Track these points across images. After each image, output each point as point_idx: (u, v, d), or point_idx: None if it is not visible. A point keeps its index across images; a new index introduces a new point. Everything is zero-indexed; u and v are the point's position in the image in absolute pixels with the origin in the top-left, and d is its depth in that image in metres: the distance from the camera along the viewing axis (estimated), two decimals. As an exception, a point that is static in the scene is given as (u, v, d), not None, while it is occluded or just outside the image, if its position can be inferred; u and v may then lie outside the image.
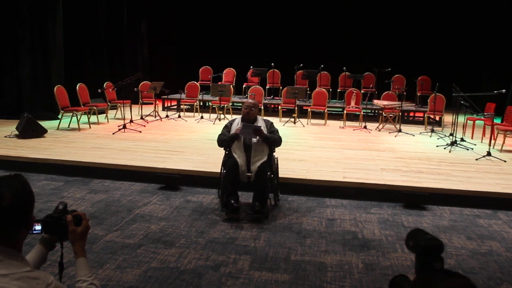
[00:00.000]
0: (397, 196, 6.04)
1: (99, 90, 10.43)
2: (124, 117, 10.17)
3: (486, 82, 13.87)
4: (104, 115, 11.19)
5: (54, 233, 2.00)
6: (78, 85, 10.35)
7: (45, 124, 9.27)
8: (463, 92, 9.13)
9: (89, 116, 10.31)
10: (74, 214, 1.98)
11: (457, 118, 9.45)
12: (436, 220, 5.49)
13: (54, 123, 9.97)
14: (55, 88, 9.66)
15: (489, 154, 8.06)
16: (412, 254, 1.70)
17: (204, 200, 5.94)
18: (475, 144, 9.22)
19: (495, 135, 9.14)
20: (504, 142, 9.00)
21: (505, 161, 7.86)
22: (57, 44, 11.08)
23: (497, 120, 10.28)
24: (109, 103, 11.44)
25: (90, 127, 10.01)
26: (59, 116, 9.89)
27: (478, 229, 5.22)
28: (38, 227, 1.94)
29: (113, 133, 9.30)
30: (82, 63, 12.61)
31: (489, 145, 8.42)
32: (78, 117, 9.88)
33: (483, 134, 10.01)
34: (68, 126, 9.88)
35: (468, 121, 10.54)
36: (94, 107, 10.57)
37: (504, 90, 8.65)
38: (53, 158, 7.10)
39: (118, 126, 9.67)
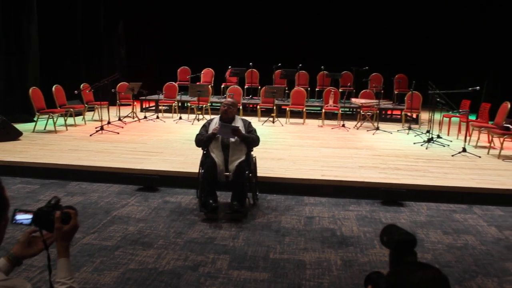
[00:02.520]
0: (375, 193, 6.10)
1: (76, 91, 10.28)
2: (101, 118, 10.06)
3: (461, 80, 14.07)
4: (81, 117, 11.07)
5: (42, 227, 1.91)
6: (54, 86, 10.21)
7: (20, 126, 9.14)
8: (439, 89, 9.26)
9: (65, 118, 10.17)
10: (63, 211, 1.89)
11: (434, 115, 9.60)
12: (413, 215, 5.55)
13: (30, 125, 9.81)
14: (30, 90, 9.50)
15: (464, 150, 8.19)
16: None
17: (183, 200, 5.91)
18: (451, 141, 9.36)
19: (470, 132, 9.30)
20: (479, 138, 9.16)
21: (479, 157, 8.00)
22: (32, 45, 10.91)
23: (472, 117, 10.44)
24: (86, 105, 11.30)
25: (67, 129, 9.88)
26: (35, 119, 9.75)
27: (454, 223, 5.30)
28: (27, 220, 1.85)
29: (91, 135, 9.20)
30: (58, 64, 12.41)
31: (465, 141, 8.56)
32: (55, 119, 9.74)
33: (459, 130, 10.17)
34: (44, 129, 9.74)
35: (444, 118, 10.70)
36: (71, 109, 10.43)
37: (478, 87, 8.81)
38: (29, 161, 6.99)
39: (96, 128, 9.56)
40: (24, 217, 1.86)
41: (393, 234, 1.69)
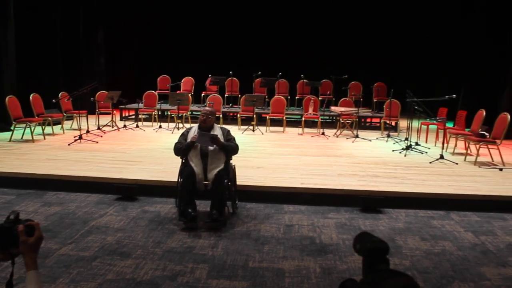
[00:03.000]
0: (354, 200, 6.13)
1: (54, 100, 10.17)
2: (80, 127, 9.96)
3: (438, 88, 14.30)
4: (60, 126, 10.94)
5: (5, 243, 1.90)
6: (31, 95, 10.06)
7: (-4, 136, 9.00)
8: (416, 97, 9.39)
9: (43, 127, 10.04)
10: (26, 224, 1.87)
11: (412, 123, 9.72)
12: (392, 222, 5.60)
13: (6, 135, 9.67)
14: (7, 99, 9.37)
15: (442, 157, 8.30)
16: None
17: (162, 210, 5.87)
18: (429, 148, 9.48)
19: (448, 139, 9.43)
20: (456, 145, 9.31)
21: (457, 164, 8.12)
22: (9, 53, 10.77)
23: (449, 124, 10.61)
24: (64, 114, 11.18)
25: (44, 139, 9.75)
26: (12, 128, 9.60)
27: (432, 230, 5.36)
28: None
29: (69, 144, 9.09)
30: (36, 72, 12.26)
31: (442, 148, 8.67)
32: (32, 128, 9.61)
33: (436, 138, 10.31)
34: (21, 138, 9.60)
35: (422, 125, 10.85)
36: (49, 118, 10.29)
37: (454, 96, 8.96)
38: (4, 171, 6.87)
39: (74, 137, 9.46)
40: None
41: (366, 241, 1.70)
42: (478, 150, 8.34)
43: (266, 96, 13.45)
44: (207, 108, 5.94)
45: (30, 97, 10.00)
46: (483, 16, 12.60)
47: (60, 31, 13.15)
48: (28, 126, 9.60)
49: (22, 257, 1.84)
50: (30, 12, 12.04)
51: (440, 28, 14.85)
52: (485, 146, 8.52)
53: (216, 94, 12.96)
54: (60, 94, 11.02)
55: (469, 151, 8.86)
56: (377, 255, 1.65)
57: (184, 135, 5.73)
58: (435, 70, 15.35)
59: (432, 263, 4.44)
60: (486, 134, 8.62)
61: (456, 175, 7.32)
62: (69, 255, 4.43)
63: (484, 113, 8.98)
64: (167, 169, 7.09)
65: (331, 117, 13.51)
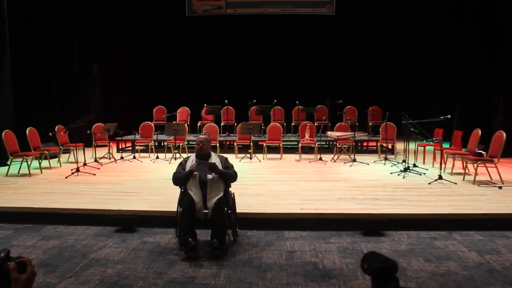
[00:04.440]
0: (355, 224, 6.09)
1: (50, 133, 10.17)
2: (77, 160, 9.92)
3: (433, 109, 14.41)
4: (56, 159, 10.89)
5: None
6: (28, 129, 10.06)
7: (-7, 171, 8.95)
8: (412, 119, 9.43)
9: (40, 160, 9.99)
10: (17, 261, 1.83)
11: (408, 145, 9.74)
12: (394, 245, 5.55)
13: (3, 169, 9.62)
14: (3, 133, 9.35)
15: (440, 177, 8.30)
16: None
17: (162, 240, 5.81)
18: (427, 169, 9.49)
19: (445, 159, 9.45)
20: (453, 165, 9.31)
21: (455, 183, 8.11)
22: (5, 88, 10.80)
23: (446, 145, 10.64)
24: (61, 147, 11.16)
25: (41, 172, 9.69)
26: (8, 162, 9.56)
27: (435, 250, 5.31)
28: None
29: (66, 177, 9.04)
30: (32, 106, 12.31)
31: (440, 169, 8.68)
32: (29, 162, 9.57)
33: (434, 158, 10.34)
34: (18, 172, 9.55)
35: (419, 147, 10.88)
36: (46, 152, 10.26)
37: (449, 116, 9.01)
38: (1, 206, 6.80)
39: (71, 170, 9.41)
40: None
41: (374, 261, 1.68)
42: (476, 169, 8.34)
43: (262, 124, 13.49)
44: (201, 136, 5.93)
45: (27, 131, 9.99)
46: (473, 35, 12.79)
47: (55, 66, 13.22)
48: (25, 160, 9.55)
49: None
50: (25, 46, 12.14)
51: (432, 50, 15.06)
52: (483, 165, 8.53)
53: (212, 123, 12.99)
54: (56, 127, 11.04)
55: (467, 171, 8.86)
56: (386, 273, 1.63)
57: (182, 165, 5.72)
58: (429, 91, 15.50)
59: (438, 284, 4.39)
60: (483, 153, 8.64)
61: (456, 195, 7.31)
62: (69, 289, 4.35)
63: (480, 132, 9.02)
64: (166, 199, 7.03)
65: (327, 142, 13.53)
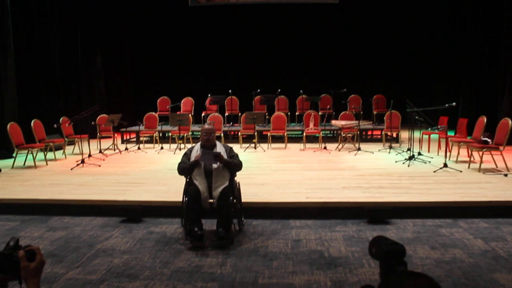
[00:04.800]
0: (361, 212, 6.09)
1: (55, 125, 10.19)
2: (82, 152, 9.94)
3: (437, 97, 14.34)
4: (62, 151, 10.92)
5: (7, 271, 1.87)
6: (33, 121, 10.08)
7: (-2, 163, 8.98)
8: (416, 107, 9.39)
9: (45, 152, 10.01)
10: (26, 249, 1.85)
11: (413, 133, 9.71)
12: (400, 233, 5.55)
13: (9, 161, 9.66)
14: (8, 126, 9.37)
15: (445, 165, 8.28)
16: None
17: (168, 230, 5.83)
18: (432, 157, 9.46)
19: (450, 147, 9.42)
20: (458, 153, 9.29)
21: (461, 171, 8.09)
22: (9, 80, 10.80)
23: (451, 133, 10.60)
24: (66, 139, 11.19)
25: (47, 164, 9.72)
26: (14, 154, 9.60)
27: (441, 238, 5.31)
28: None
29: (72, 169, 9.07)
30: (36, 98, 12.32)
31: (445, 157, 8.65)
32: (34, 154, 9.60)
33: (439, 147, 10.30)
34: (24, 164, 9.59)
35: (424, 135, 10.85)
36: (51, 143, 10.28)
37: (454, 104, 8.96)
38: (8, 198, 6.85)
39: (77, 161, 9.43)
40: None
41: (382, 245, 1.68)
42: (481, 157, 8.31)
43: (266, 113, 13.47)
44: (206, 126, 5.83)
45: (31, 123, 10.01)
46: (478, 25, 12.69)
47: (59, 57, 13.22)
48: (30, 152, 9.58)
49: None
50: (29, 38, 12.13)
51: (436, 37, 14.95)
52: (488, 153, 8.51)
53: (216, 114, 12.98)
54: (61, 119, 11.06)
55: (472, 159, 8.83)
56: (394, 257, 1.63)
57: (187, 155, 5.72)
58: (433, 79, 15.41)
59: (444, 271, 4.39)
60: (489, 140, 8.60)
61: (461, 183, 7.29)
62: (76, 279, 4.38)
63: (485, 120, 8.98)
64: (171, 189, 7.05)
65: (332, 131, 13.51)
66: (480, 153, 8.37)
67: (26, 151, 9.63)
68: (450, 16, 14.41)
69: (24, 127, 9.83)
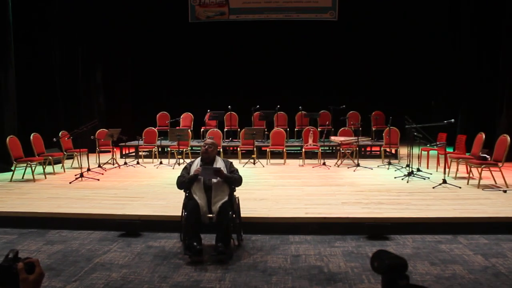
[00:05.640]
0: (360, 228, 6.07)
1: (54, 139, 10.19)
2: (81, 165, 9.94)
3: (436, 113, 14.39)
4: (60, 164, 10.91)
5: (6, 283, 1.86)
6: (32, 135, 10.08)
7: (-3, 177, 8.96)
8: (415, 123, 9.42)
9: (44, 166, 10.01)
10: (26, 262, 1.84)
11: (412, 149, 9.72)
12: (399, 248, 5.53)
13: (7, 175, 9.64)
14: (7, 139, 9.37)
15: (444, 181, 8.28)
16: (379, 281, 1.70)
17: (166, 244, 5.80)
18: (431, 173, 9.46)
19: (449, 163, 9.43)
20: (457, 170, 9.30)
21: (460, 187, 8.10)
22: (10, 94, 10.83)
23: (450, 149, 10.62)
24: (65, 152, 11.17)
25: (45, 178, 9.70)
26: (12, 168, 9.58)
27: (441, 254, 5.30)
28: None
29: (70, 182, 9.05)
30: (36, 112, 12.34)
31: (444, 173, 8.66)
32: (33, 167, 9.59)
33: (438, 163, 10.31)
34: (22, 178, 9.57)
35: (423, 151, 10.86)
36: (50, 157, 10.27)
37: (453, 120, 8.99)
38: (6, 211, 6.82)
39: (75, 175, 9.42)
40: None
41: (384, 258, 1.67)
42: (480, 173, 8.32)
43: (266, 129, 13.49)
44: (208, 139, 5.92)
45: (31, 137, 10.00)
46: (474, 41, 12.79)
47: (59, 71, 13.27)
48: (29, 165, 9.58)
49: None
50: (30, 52, 12.19)
51: (434, 54, 15.08)
52: (487, 169, 8.52)
53: (215, 129, 13.01)
54: (60, 133, 11.05)
55: (471, 175, 8.83)
56: (396, 271, 1.62)
57: (186, 169, 5.72)
58: (432, 95, 15.49)
59: (444, 287, 4.37)
60: (487, 156, 8.61)
61: (460, 199, 7.29)
62: (74, 293, 4.35)
63: (484, 136, 9.00)
64: (170, 204, 7.04)
65: (331, 147, 13.53)
66: (479, 169, 8.38)
67: (25, 165, 9.62)
68: (448, 32, 14.53)
69: (24, 141, 9.83)
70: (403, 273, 1.62)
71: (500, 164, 8.18)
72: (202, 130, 13.95)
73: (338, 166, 11.24)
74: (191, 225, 5.27)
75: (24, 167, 9.69)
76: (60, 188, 8.65)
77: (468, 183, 8.51)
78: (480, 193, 7.78)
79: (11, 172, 9.53)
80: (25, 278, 1.80)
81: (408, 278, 1.61)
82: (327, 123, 13.58)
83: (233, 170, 5.69)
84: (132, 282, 4.58)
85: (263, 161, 11.76)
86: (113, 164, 11.44)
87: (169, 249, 5.63)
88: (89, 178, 9.45)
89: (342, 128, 12.69)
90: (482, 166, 8.35)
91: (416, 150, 10.46)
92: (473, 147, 9.29)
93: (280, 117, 14.19)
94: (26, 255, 1.90)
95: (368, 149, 13.61)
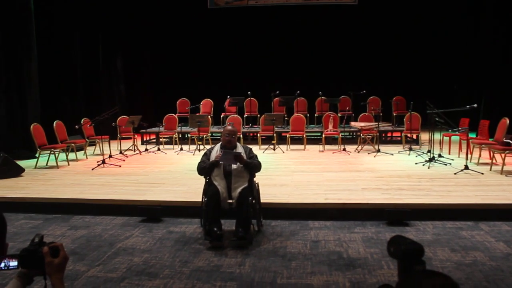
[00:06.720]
0: (380, 214, 6.06)
1: (77, 126, 10.36)
2: (103, 152, 10.08)
3: (458, 98, 14.17)
4: (83, 151, 11.08)
5: (32, 266, 1.92)
6: (55, 122, 10.26)
7: (22, 163, 9.14)
8: (437, 108, 9.29)
9: (67, 153, 10.19)
10: (50, 246, 1.91)
11: (433, 135, 9.60)
12: (419, 235, 5.51)
13: (32, 162, 9.83)
14: (32, 127, 9.55)
15: (466, 167, 8.19)
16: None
17: (187, 230, 5.88)
18: (452, 159, 9.36)
19: (471, 149, 9.29)
20: (480, 155, 9.17)
21: (482, 174, 7.99)
22: (33, 83, 11.02)
23: (472, 135, 10.45)
24: (87, 139, 11.34)
25: (68, 164, 9.88)
26: (37, 155, 9.77)
27: (462, 241, 5.26)
28: (14, 263, 1.86)
29: (93, 169, 9.20)
30: (58, 100, 12.55)
31: (466, 159, 8.55)
32: (56, 154, 9.76)
33: (460, 148, 10.19)
34: (46, 164, 9.76)
35: (444, 137, 10.72)
36: (72, 144, 10.44)
37: (476, 105, 8.84)
38: (31, 197, 6.98)
39: (97, 162, 9.57)
40: (9, 264, 1.86)
41: (400, 244, 1.68)
42: (504, 159, 8.19)
43: (285, 115, 13.46)
44: (229, 128, 5.86)
45: (54, 125, 10.18)
46: (499, 24, 12.51)
47: (81, 60, 13.43)
48: (52, 152, 9.75)
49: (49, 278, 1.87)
50: (52, 41, 12.34)
51: (457, 38, 14.78)
52: (511, 155, 8.38)
53: (235, 115, 13.03)
54: (82, 120, 11.21)
55: (494, 161, 8.71)
56: (412, 256, 1.63)
57: (207, 155, 5.75)
58: (454, 80, 15.22)
59: (465, 274, 4.35)
60: (511, 142, 8.47)
61: (482, 185, 7.20)
62: (97, 276, 4.44)
63: (508, 122, 8.84)
64: (190, 189, 7.11)
65: (351, 133, 13.45)
66: (502, 155, 8.25)
67: (49, 152, 9.80)
68: (471, 16, 14.23)
69: (47, 128, 10.01)
70: (420, 258, 1.63)
71: (524, 150, 8.04)
72: (222, 116, 14.00)
73: (359, 152, 11.18)
74: (211, 210, 5.32)
75: (48, 154, 9.87)
76: (82, 174, 8.80)
77: (490, 169, 8.39)
78: (503, 179, 7.67)
79: (36, 159, 9.71)
80: (50, 261, 1.87)
81: (424, 264, 1.61)
82: (347, 108, 13.47)
83: (252, 156, 5.71)
84: (153, 267, 4.67)
85: (283, 147, 11.76)
86: (134, 151, 11.58)
87: (189, 234, 5.70)
88: (111, 164, 9.59)
89: (363, 114, 12.59)
90: (506, 152, 8.21)
91: (437, 136, 10.34)
92: (497, 133, 9.13)
93: (300, 102, 14.14)
94: (51, 240, 1.95)
95: (389, 134, 13.49)
